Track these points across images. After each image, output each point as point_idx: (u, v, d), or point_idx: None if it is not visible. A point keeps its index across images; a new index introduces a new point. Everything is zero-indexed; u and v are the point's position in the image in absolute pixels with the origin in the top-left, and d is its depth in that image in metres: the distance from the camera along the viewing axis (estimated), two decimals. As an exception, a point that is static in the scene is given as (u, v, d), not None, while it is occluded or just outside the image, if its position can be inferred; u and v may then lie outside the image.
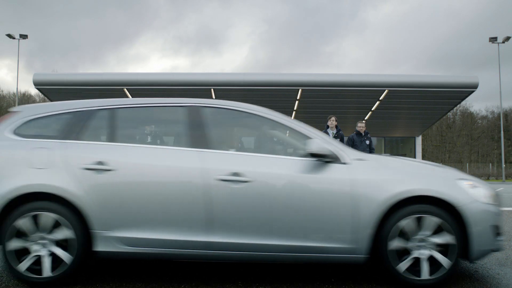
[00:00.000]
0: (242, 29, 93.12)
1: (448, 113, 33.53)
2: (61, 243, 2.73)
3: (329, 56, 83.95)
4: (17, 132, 2.97)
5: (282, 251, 2.71)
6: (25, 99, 50.83)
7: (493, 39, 28.69)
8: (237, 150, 2.99)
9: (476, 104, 65.28)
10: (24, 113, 3.07)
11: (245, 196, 2.69)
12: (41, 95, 35.59)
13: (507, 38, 28.23)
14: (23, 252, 2.73)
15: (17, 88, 33.63)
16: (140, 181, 2.75)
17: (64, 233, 2.72)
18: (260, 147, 3.35)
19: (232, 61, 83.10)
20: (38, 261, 2.72)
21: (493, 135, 44.92)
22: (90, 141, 2.92)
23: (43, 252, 2.72)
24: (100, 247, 2.73)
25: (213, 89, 18.47)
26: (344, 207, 2.68)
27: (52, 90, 19.11)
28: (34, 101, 52.54)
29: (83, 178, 2.75)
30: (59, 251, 2.72)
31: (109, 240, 2.73)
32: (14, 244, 2.72)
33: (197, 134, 2.89)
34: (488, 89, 55.36)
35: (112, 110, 3.05)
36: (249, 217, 2.70)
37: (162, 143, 3.37)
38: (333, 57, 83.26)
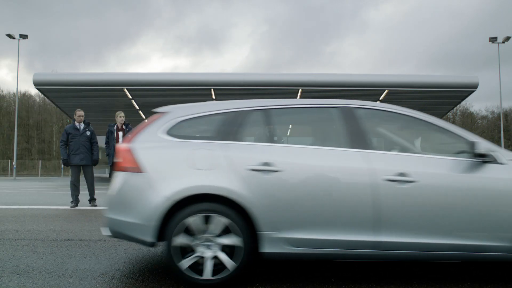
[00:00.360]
0: (243, 29, 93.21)
1: (448, 113, 33.49)
2: (226, 249, 2.70)
3: (329, 56, 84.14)
4: (170, 133, 2.94)
5: (446, 250, 2.73)
6: (25, 99, 50.86)
7: (493, 39, 28.74)
8: (396, 151, 3.04)
9: (476, 104, 65.45)
10: (174, 113, 3.04)
11: (411, 196, 2.73)
12: (41, 95, 35.56)
13: (507, 38, 28.26)
14: (187, 250, 2.70)
15: (17, 88, 33.59)
16: (307, 181, 2.76)
17: (232, 239, 2.69)
18: (415, 148, 3.36)
19: (232, 61, 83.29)
20: (198, 261, 2.69)
21: (493, 135, 44.95)
22: (249, 141, 2.92)
23: (208, 254, 2.68)
24: (267, 248, 2.71)
25: (213, 89, 18.47)
26: (505, 206, 2.73)
27: (52, 90, 19.10)
28: (34, 101, 52.57)
29: (249, 179, 2.73)
30: (223, 257, 2.68)
31: (276, 241, 2.71)
32: (181, 240, 2.69)
33: (356, 135, 2.92)
34: (488, 89, 55.46)
35: (266, 111, 3.07)
36: (415, 217, 2.72)
37: (318, 143, 3.38)
38: (333, 57, 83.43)
